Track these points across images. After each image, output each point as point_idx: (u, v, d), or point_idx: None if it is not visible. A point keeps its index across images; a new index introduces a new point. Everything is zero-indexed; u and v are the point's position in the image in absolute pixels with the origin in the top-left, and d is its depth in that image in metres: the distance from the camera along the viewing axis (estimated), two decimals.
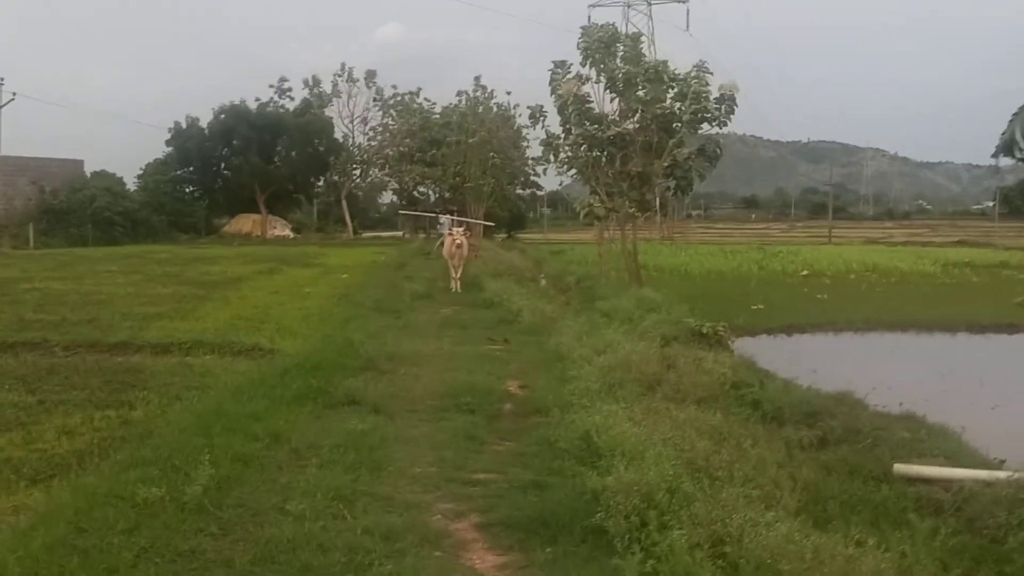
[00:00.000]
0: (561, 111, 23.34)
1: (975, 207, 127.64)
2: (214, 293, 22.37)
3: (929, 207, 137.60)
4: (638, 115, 23.02)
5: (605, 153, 23.17)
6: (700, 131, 23.09)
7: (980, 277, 31.95)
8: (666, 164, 22.62)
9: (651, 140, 22.76)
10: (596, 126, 23.00)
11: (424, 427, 8.33)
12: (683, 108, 22.19)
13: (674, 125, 22.81)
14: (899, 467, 7.75)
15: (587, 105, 22.93)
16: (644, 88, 22.57)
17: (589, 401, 8.62)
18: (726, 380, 10.39)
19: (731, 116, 22.66)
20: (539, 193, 73.77)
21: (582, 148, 23.42)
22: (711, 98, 22.21)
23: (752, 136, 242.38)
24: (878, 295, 26.56)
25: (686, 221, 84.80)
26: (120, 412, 8.66)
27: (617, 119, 23.25)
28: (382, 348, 11.91)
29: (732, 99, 22.49)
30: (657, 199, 25.98)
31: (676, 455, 6.52)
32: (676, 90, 22.59)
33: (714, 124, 22.74)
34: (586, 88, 23.04)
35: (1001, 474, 7.43)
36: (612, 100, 23.68)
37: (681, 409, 8.70)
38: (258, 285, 25.01)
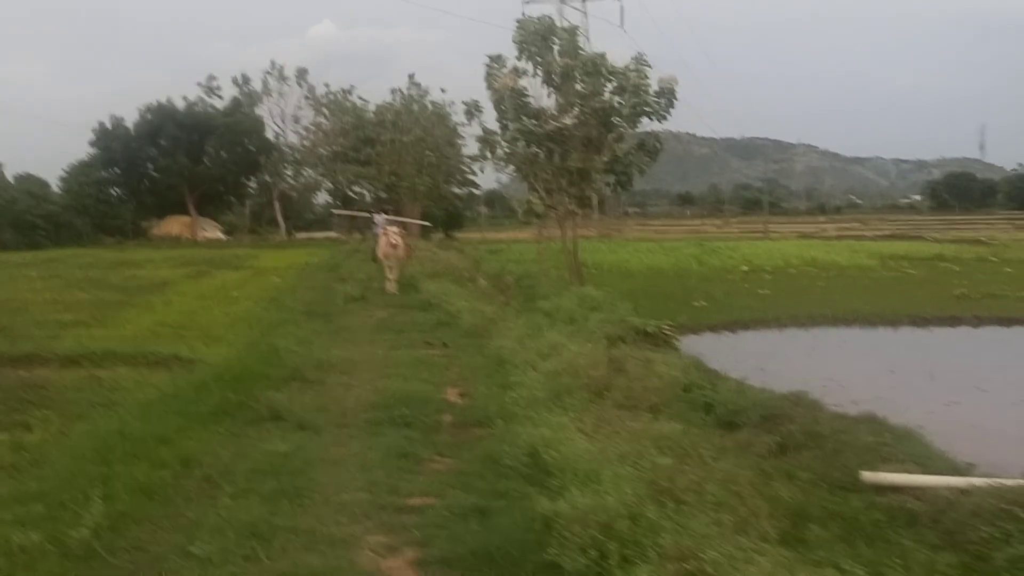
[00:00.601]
0: (497, 106, 22.66)
1: (903, 201, 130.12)
2: (137, 298, 21.35)
3: (859, 201, 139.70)
4: (576, 110, 22.46)
5: (544, 149, 22.54)
6: (639, 126, 22.56)
7: (917, 270, 31.97)
8: (606, 159, 22.07)
9: (590, 135, 22.20)
10: (534, 121, 22.38)
11: (354, 444, 7.53)
12: (622, 102, 21.65)
13: (613, 119, 22.28)
14: (867, 475, 7.21)
15: (524, 99, 22.28)
16: (583, 82, 22.01)
17: (535, 411, 7.96)
18: (677, 383, 9.79)
19: (670, 110, 22.19)
20: (476, 192, 73.21)
21: (520, 144, 22.74)
22: (650, 91, 21.70)
23: (686, 133, 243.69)
24: (819, 289, 26.33)
25: (622, 218, 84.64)
26: (13, 435, 7.66)
27: (555, 114, 22.65)
28: (311, 355, 11.08)
29: (671, 92, 22.01)
30: (596, 195, 25.36)
31: (636, 475, 5.86)
32: (615, 83, 22.04)
33: (653, 118, 22.24)
34: (523, 82, 22.40)
35: (979, 481, 6.91)
36: (549, 95, 23.05)
37: (634, 418, 8.07)
38: (184, 289, 23.98)
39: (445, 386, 10.08)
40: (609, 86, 22.24)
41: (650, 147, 22.49)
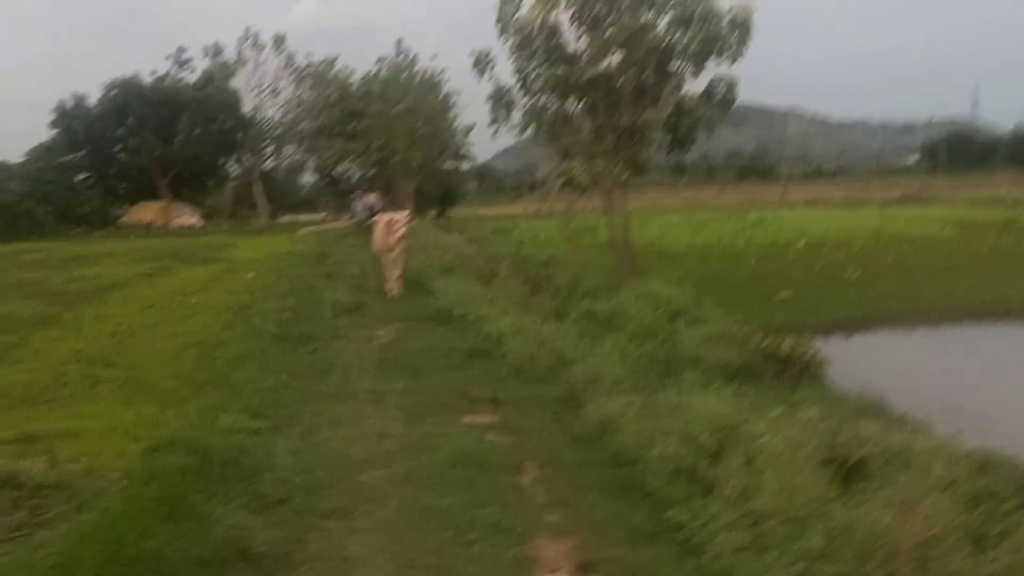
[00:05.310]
0: (521, 48, 17.55)
1: (898, 163, 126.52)
2: (66, 312, 16.40)
3: (851, 165, 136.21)
4: (618, 53, 17.42)
5: (584, 102, 17.51)
6: (704, 69, 17.53)
7: (1008, 241, 26.93)
8: (667, 113, 17.03)
9: (644, 83, 17.15)
10: (567, 67, 17.34)
11: None
12: (688, 36, 16.60)
13: (671, 64, 17.27)
14: None
15: (559, 39, 17.19)
16: (630, 12, 16.93)
17: None
18: None
19: (745, 47, 17.15)
20: (465, 167, 67.96)
21: (551, 98, 17.67)
22: (723, 23, 16.66)
23: None
24: (917, 270, 21.39)
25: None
26: None
27: (594, 57, 17.55)
28: (272, 459, 5.96)
29: (747, 24, 16.97)
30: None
31: None
32: (673, 14, 16.97)
33: (724, 58, 17.18)
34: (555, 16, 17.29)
35: None
36: (580, 38, 17.95)
37: None
38: (133, 295, 19.00)
39: (535, 535, 5.05)
40: (665, 18, 17.23)
41: (724, 96, 17.44)
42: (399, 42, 55.41)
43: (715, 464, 5.57)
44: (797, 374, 10.22)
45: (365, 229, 32.15)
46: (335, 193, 59.13)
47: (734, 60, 17.16)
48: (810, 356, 10.42)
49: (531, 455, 6.61)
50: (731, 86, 17.57)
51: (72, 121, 53.81)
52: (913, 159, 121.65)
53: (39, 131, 70.08)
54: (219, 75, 57.10)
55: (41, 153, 55.19)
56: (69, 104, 54.21)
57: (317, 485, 5.80)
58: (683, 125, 17.26)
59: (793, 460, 5.26)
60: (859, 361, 12.64)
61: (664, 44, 17.00)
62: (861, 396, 9.15)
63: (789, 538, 4.40)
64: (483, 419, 7.69)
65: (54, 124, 54.56)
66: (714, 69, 17.61)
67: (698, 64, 17.09)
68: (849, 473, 5.43)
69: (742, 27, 16.92)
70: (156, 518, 4.70)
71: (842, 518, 4.48)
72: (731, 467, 5.42)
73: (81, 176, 56.58)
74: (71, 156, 55.20)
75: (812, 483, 4.95)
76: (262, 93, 59.58)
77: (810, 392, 9.19)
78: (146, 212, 56.62)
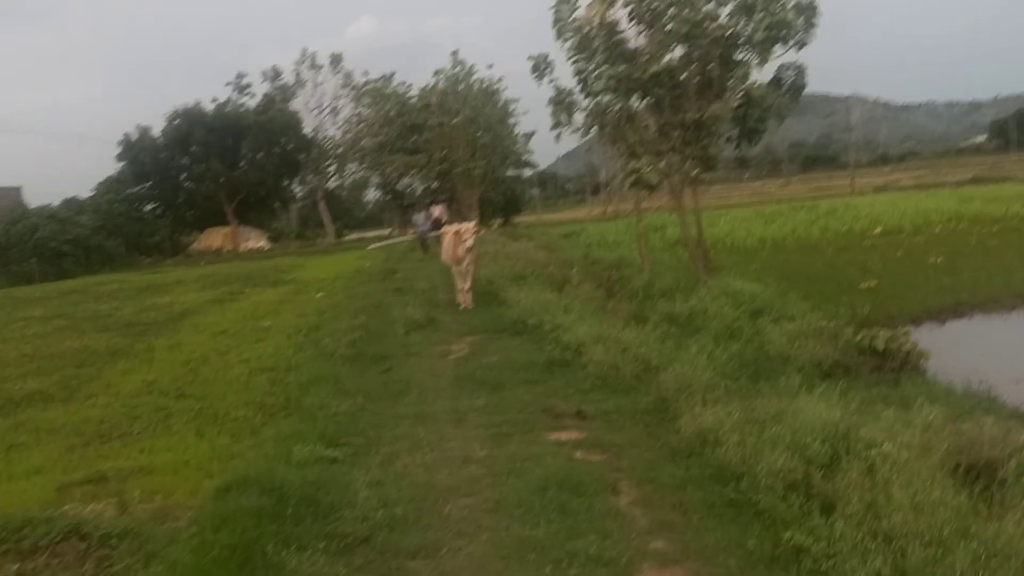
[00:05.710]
0: (580, 49, 17.17)
1: (964, 143, 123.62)
2: (138, 342, 16.43)
3: (917, 148, 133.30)
4: (679, 47, 16.91)
5: (648, 99, 17.03)
6: (771, 57, 16.90)
7: None
8: (736, 104, 16.47)
9: (708, 75, 16.61)
10: (628, 65, 16.86)
11: None
12: (753, 24, 16.02)
13: (736, 54, 16.70)
14: None
15: (618, 36, 16.74)
16: (691, 5, 16.38)
17: None
18: None
19: (811, 33, 16.51)
20: (527, 174, 67.73)
21: (615, 96, 17.21)
22: (788, 8, 16.04)
23: None
24: (1004, 251, 20.49)
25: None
26: None
27: (654, 53, 17.05)
28: (352, 495, 5.59)
29: (812, 9, 16.33)
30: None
31: None
32: (737, 1, 16.42)
33: (790, 45, 16.55)
34: (613, 13, 16.84)
35: None
36: (639, 34, 17.48)
37: None
38: (204, 322, 18.99)
39: (641, 565, 4.64)
40: (727, 7, 16.68)
41: (793, 83, 16.83)
42: (455, 54, 55.41)
43: (831, 477, 5.08)
44: (896, 369, 9.65)
45: (429, 241, 32.03)
46: (399, 207, 59.48)
47: (801, 46, 16.54)
48: (908, 348, 9.82)
49: (626, 474, 6.18)
50: (800, 72, 16.97)
51: (138, 153, 54.81)
52: (982, 138, 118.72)
53: (107, 164, 71.52)
54: (279, 98, 57.76)
55: (110, 186, 56.36)
56: (134, 136, 55.23)
57: (400, 520, 5.43)
58: (751, 116, 16.69)
59: (921, 469, 4.77)
60: (956, 351, 11.94)
61: (727, 34, 16.45)
62: (969, 390, 8.57)
63: (932, 562, 3.92)
64: (570, 435, 7.28)
65: (120, 157, 55.65)
66: (780, 57, 17.02)
67: (764, 52, 16.50)
68: (984, 482, 4.91)
69: (808, 12, 16.29)
70: (228, 570, 4.39)
71: (989, 536, 4.00)
72: (851, 479, 4.95)
73: (149, 206, 57.62)
74: (139, 187, 56.27)
75: (947, 495, 4.47)
76: (322, 113, 60.15)
77: (914, 388, 8.64)
78: (214, 238, 57.45)
